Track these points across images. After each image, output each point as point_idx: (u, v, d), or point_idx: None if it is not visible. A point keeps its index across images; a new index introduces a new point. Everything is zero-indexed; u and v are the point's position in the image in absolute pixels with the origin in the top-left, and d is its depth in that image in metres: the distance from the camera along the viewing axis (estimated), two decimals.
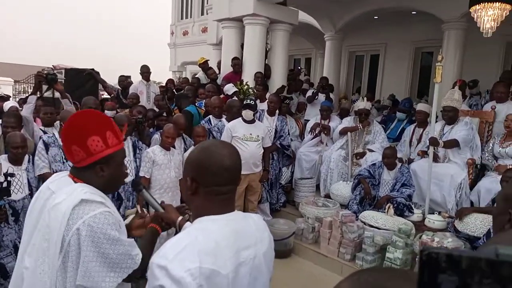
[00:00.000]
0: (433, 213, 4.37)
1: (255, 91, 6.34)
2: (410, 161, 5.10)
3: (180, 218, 1.61)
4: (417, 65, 9.80)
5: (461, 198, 4.49)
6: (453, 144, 4.64)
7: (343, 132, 5.62)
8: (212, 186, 1.19)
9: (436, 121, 4.69)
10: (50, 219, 1.37)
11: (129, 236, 1.68)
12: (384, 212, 4.36)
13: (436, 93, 4.25)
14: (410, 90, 9.65)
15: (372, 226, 4.21)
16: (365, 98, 5.97)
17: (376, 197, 4.74)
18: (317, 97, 6.94)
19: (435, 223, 4.20)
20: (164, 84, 7.84)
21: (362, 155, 5.42)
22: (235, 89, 6.19)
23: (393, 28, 9.30)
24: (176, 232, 1.57)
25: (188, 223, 1.49)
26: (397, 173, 4.75)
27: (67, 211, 1.35)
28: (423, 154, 4.92)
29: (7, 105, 6.40)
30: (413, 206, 4.57)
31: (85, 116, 1.52)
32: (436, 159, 4.68)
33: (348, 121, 5.76)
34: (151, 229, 1.67)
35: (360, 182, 4.86)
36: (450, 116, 4.81)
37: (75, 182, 1.48)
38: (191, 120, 5.20)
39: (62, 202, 1.37)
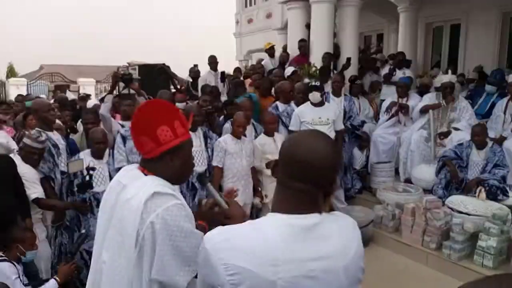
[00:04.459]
0: None
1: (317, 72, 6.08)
2: (502, 139, 4.58)
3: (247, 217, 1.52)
4: (506, 32, 8.81)
5: None
6: None
7: (424, 110, 5.25)
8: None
9: None
10: (124, 213, 1.38)
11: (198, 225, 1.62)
12: (475, 197, 4.08)
13: None
14: (498, 61, 8.71)
15: (461, 212, 3.92)
16: (449, 71, 5.45)
17: (464, 180, 4.43)
18: (394, 73, 6.49)
19: None
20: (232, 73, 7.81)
21: (446, 134, 5.03)
22: (293, 69, 6.03)
23: None
24: None
25: None
26: (488, 153, 4.38)
27: (140, 205, 1.33)
28: None
29: (90, 104, 7.09)
30: (508, 188, 4.19)
31: (153, 106, 1.50)
32: None
33: (429, 98, 5.36)
34: (198, 227, 1.56)
35: (446, 164, 4.55)
36: None
37: (145, 174, 1.46)
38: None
39: (135, 196, 1.36)
